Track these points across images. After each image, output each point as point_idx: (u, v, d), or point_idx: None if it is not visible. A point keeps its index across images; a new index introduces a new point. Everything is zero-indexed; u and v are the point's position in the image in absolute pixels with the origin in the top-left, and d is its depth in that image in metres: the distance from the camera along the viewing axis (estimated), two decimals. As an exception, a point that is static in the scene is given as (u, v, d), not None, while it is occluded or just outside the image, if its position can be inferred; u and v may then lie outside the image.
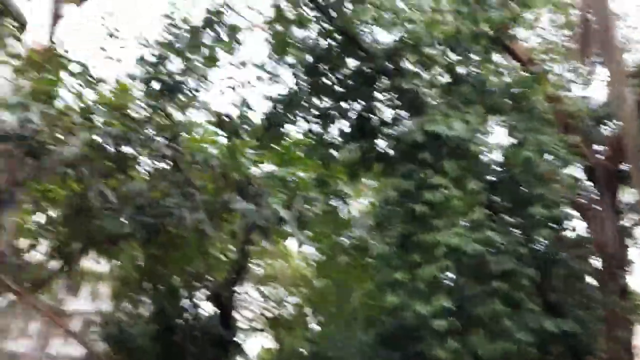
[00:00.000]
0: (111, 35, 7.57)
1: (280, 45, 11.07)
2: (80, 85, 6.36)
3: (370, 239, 10.13)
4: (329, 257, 19.53)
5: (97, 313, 26.27)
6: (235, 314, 21.57)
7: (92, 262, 27.65)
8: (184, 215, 6.61)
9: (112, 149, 6.24)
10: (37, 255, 14.86)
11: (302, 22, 11.47)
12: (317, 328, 27.37)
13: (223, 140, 8.93)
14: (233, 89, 7.18)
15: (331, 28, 11.27)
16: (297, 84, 11.55)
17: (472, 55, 12.20)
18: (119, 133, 5.97)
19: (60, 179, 5.59)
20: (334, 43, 11.62)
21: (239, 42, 7.20)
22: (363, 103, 12.26)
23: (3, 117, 5.65)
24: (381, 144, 12.37)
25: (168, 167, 7.16)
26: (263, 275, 26.24)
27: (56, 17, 11.07)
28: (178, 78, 6.31)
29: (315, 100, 11.92)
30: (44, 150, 5.36)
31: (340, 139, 12.49)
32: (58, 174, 5.40)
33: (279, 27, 11.47)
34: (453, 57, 12.15)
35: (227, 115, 6.82)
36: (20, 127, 5.36)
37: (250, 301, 29.45)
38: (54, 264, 25.71)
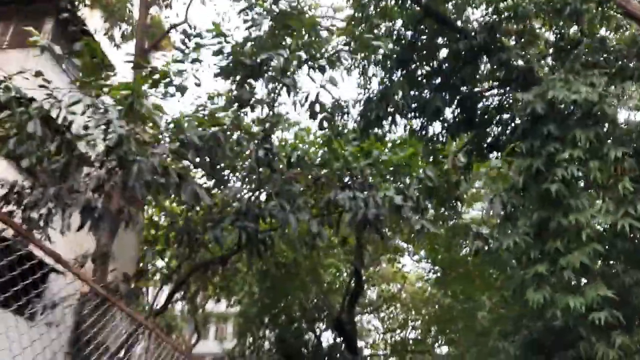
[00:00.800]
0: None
1: (364, 42, 10.34)
2: (164, 94, 6.05)
3: (497, 234, 8.90)
4: (448, 267, 18.25)
5: (223, 352, 26.62)
6: (358, 340, 20.78)
7: (214, 304, 28.29)
8: (288, 218, 5.98)
9: (201, 155, 5.81)
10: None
11: (385, 14, 10.71)
12: (445, 349, 25.85)
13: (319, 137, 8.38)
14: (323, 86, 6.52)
15: (417, 11, 10.43)
16: (388, 78, 10.75)
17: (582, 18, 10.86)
18: (207, 135, 5.52)
19: (151, 192, 5.21)
20: (422, 28, 10.75)
21: (318, 36, 6.57)
22: (465, 90, 11.22)
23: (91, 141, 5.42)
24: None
25: (263, 170, 6.63)
26: (381, 299, 25.28)
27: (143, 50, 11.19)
28: (263, 57, 5.77)
29: (411, 95, 11.03)
30: (131, 160, 5.00)
31: (445, 132, 11.49)
32: (146, 184, 5.01)
33: (361, 24, 10.81)
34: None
35: (320, 104, 6.16)
36: (104, 139, 5.08)
37: (371, 327, 28.56)
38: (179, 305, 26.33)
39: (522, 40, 11.10)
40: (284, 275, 17.49)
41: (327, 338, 20.10)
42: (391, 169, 6.68)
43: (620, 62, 10.30)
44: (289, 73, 5.89)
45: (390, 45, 11.26)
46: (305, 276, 18.25)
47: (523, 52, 10.40)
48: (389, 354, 26.71)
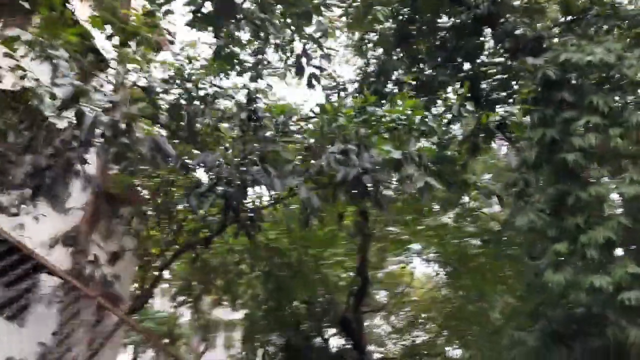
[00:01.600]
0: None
1: (360, 18, 9.70)
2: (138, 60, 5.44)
3: (509, 215, 8.21)
4: (458, 262, 17.50)
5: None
6: (368, 344, 20.05)
7: (222, 311, 27.58)
8: (273, 182, 5.32)
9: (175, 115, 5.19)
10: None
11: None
12: (458, 352, 25.03)
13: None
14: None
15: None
16: (385, 54, 10.09)
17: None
18: (181, 94, 4.88)
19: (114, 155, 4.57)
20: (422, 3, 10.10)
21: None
22: (469, 66, 10.57)
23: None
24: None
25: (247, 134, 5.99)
26: (390, 302, 24.49)
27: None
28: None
29: (412, 71, 10.37)
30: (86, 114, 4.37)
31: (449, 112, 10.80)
32: (103, 144, 4.38)
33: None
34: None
35: (307, 56, 5.51)
36: (52, 83, 4.47)
37: (381, 331, 27.77)
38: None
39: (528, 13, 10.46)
40: (288, 274, 16.88)
41: (336, 344, 19.41)
42: (389, 125, 5.99)
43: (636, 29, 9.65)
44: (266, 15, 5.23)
45: (388, 24, 10.65)
46: (309, 274, 17.62)
47: (530, 21, 9.74)
48: (400, 357, 25.88)
